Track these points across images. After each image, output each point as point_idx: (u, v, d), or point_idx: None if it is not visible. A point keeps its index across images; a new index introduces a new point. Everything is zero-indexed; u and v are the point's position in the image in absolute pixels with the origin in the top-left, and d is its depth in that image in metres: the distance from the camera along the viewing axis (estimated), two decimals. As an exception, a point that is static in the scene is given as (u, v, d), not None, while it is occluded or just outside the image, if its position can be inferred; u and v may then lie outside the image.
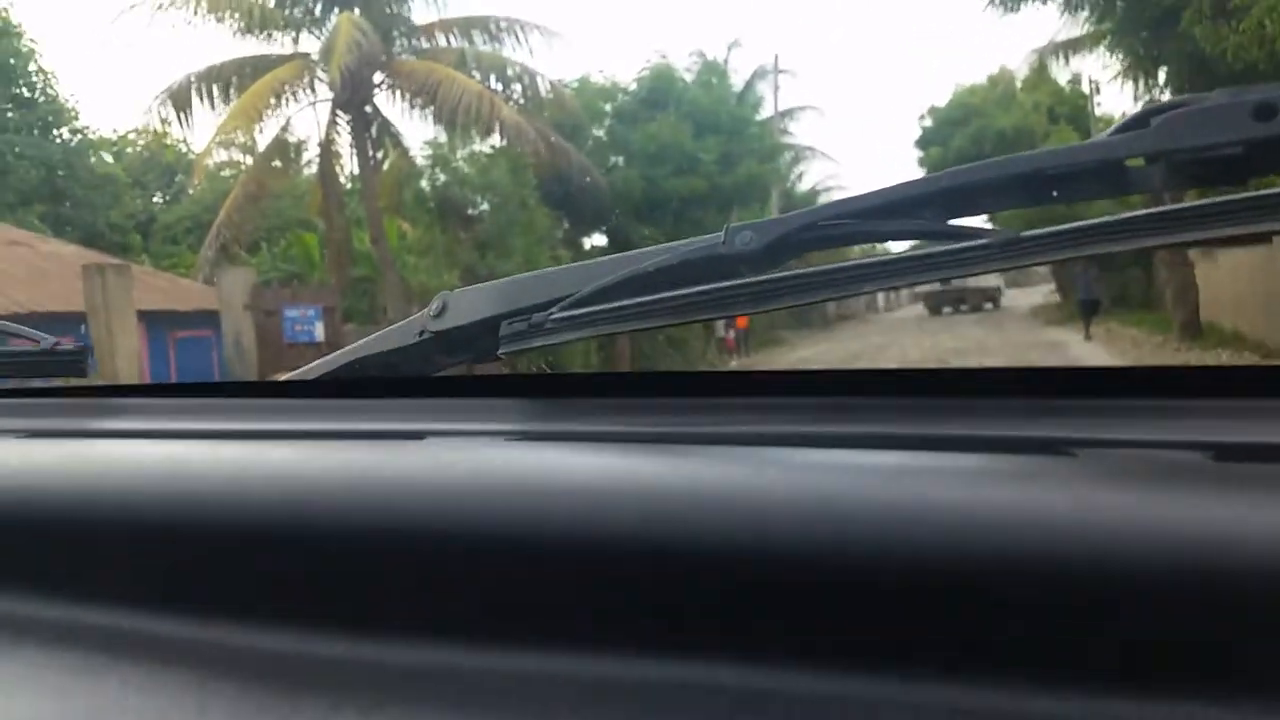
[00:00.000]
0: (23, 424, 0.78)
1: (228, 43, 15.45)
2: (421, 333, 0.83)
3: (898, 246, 0.70)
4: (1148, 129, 0.57)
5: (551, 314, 0.69)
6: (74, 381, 0.89)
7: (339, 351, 0.91)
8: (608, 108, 20.37)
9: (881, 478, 0.46)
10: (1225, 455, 0.49)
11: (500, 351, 0.73)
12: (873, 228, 0.63)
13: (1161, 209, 0.55)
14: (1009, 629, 0.40)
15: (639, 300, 0.66)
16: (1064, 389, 0.59)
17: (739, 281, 0.64)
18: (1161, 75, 18.70)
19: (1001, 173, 0.61)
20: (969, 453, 0.50)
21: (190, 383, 0.91)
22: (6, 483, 0.60)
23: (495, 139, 16.77)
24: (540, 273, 0.79)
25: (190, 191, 20.29)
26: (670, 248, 0.70)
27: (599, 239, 21.25)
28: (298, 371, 0.91)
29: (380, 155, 17.00)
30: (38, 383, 0.94)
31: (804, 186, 36.63)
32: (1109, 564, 0.38)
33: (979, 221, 0.64)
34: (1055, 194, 0.59)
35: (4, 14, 18.92)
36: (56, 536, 0.57)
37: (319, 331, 13.28)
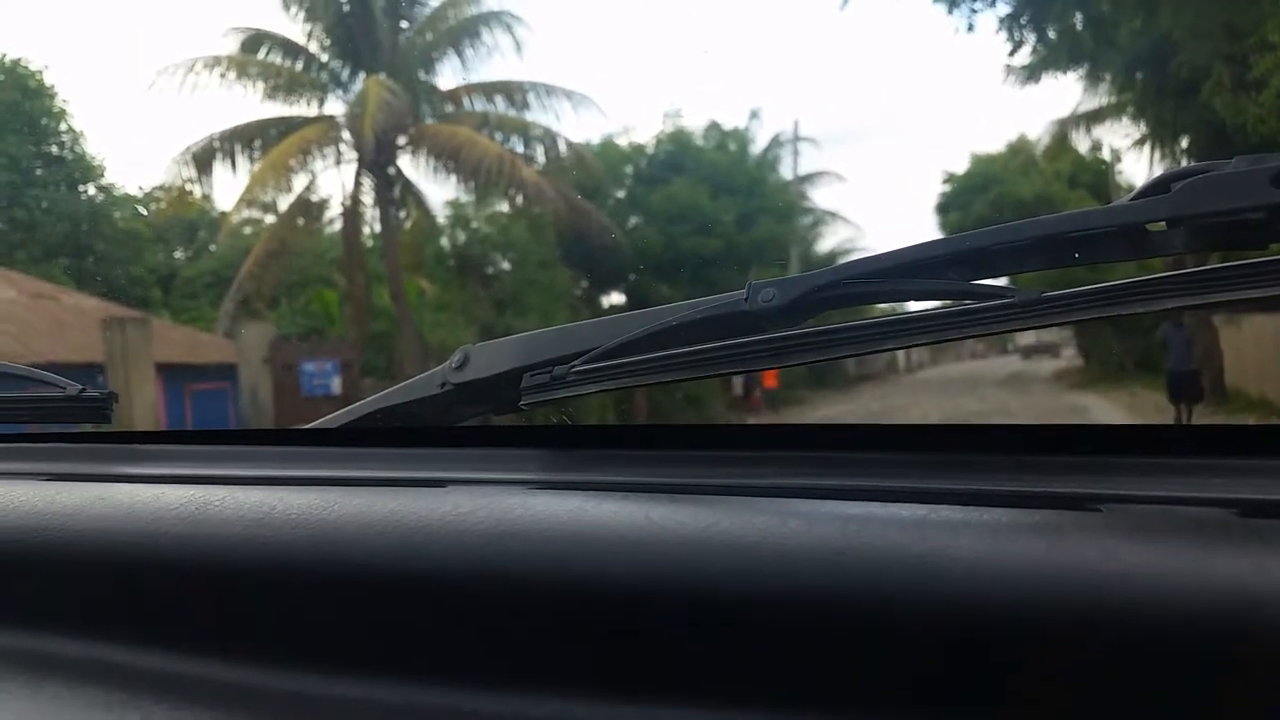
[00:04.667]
0: (48, 467, 0.79)
1: (255, 105, 15.69)
2: (443, 384, 0.83)
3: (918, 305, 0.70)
4: (1168, 194, 0.57)
5: (574, 366, 0.70)
6: (99, 427, 0.90)
7: (361, 402, 0.92)
8: (629, 170, 20.59)
9: (910, 530, 0.46)
10: (1251, 511, 0.49)
11: (522, 403, 0.73)
12: (896, 286, 0.63)
13: (1183, 271, 0.55)
14: (1038, 679, 0.40)
15: (661, 354, 0.67)
16: (1087, 446, 0.59)
17: (761, 337, 0.64)
18: (1183, 144, 18.83)
19: (1024, 235, 0.61)
20: (994, 507, 0.50)
21: (213, 429, 0.92)
22: (32, 524, 0.61)
23: (517, 199, 16.95)
24: (561, 327, 0.79)
25: (212, 248, 20.53)
26: (693, 304, 0.71)
27: (618, 297, 21.38)
28: (320, 420, 0.92)
29: (403, 214, 17.19)
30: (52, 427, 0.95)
31: (824, 248, 36.77)
32: (1138, 617, 0.38)
33: (1001, 283, 0.64)
34: (1077, 256, 0.60)
35: (38, 76, 19.40)
36: (81, 577, 0.57)
37: (336, 385, 13.33)
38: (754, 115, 25.49)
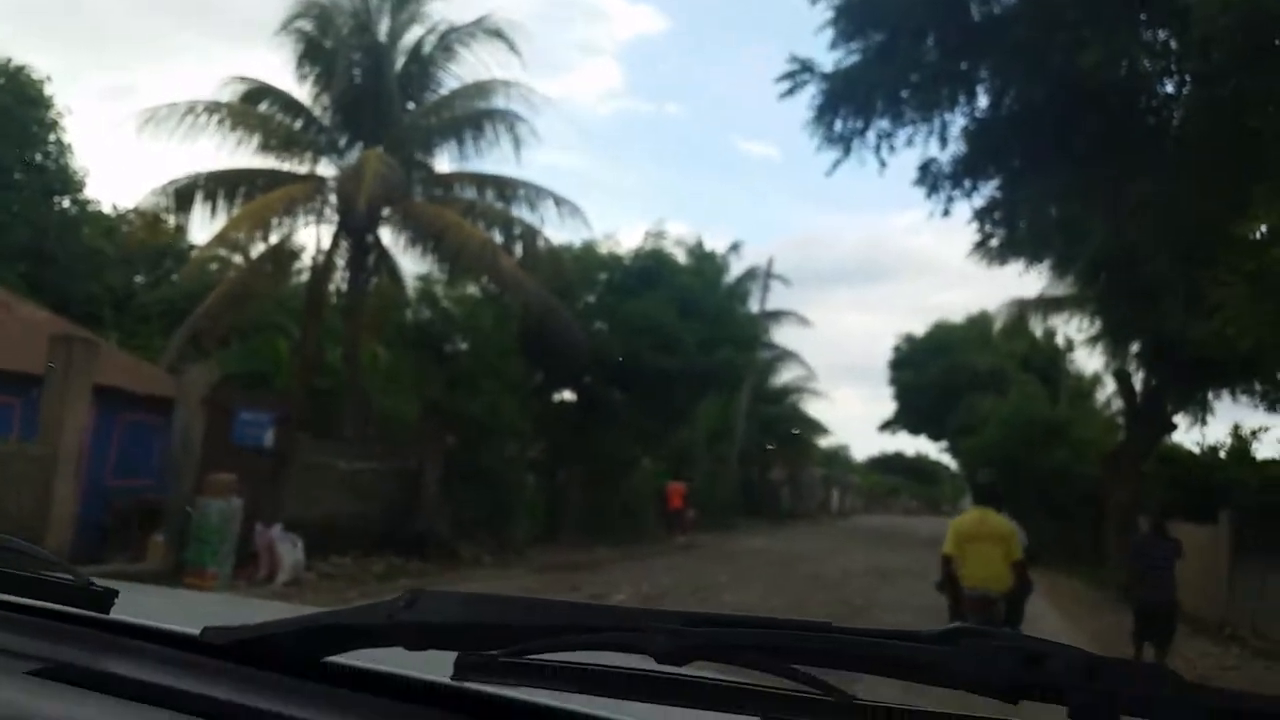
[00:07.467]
0: (50, 651, 0.90)
1: (247, 154, 15.75)
2: (390, 617, 0.94)
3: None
4: (955, 646, 0.72)
5: (499, 657, 0.84)
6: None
7: (311, 614, 1.01)
8: (603, 277, 20.86)
9: None
10: None
11: (453, 678, 0.86)
12: (760, 658, 0.78)
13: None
14: None
15: (576, 665, 0.81)
16: None
17: (651, 672, 0.79)
18: (1133, 349, 19.52)
19: (864, 646, 0.76)
20: None
21: (171, 632, 1.03)
22: None
23: (490, 286, 17.16)
24: (505, 597, 0.91)
25: (174, 278, 20.42)
26: (601, 612, 0.85)
27: (568, 395, 21.49)
28: (268, 625, 1.00)
29: (373, 281, 17.31)
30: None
31: (778, 382, 37.44)
32: None
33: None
34: (892, 671, 0.75)
35: (39, 85, 19.55)
36: None
37: (268, 438, 13.13)
38: (733, 247, 25.95)
